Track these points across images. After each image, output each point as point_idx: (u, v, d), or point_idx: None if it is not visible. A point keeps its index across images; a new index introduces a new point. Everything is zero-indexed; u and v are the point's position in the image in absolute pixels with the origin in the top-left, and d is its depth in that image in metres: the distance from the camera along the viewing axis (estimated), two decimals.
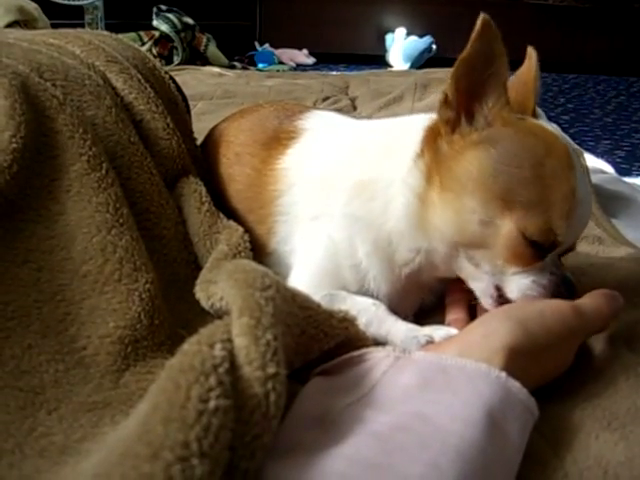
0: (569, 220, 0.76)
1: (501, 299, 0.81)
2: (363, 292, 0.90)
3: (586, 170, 0.83)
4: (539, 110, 2.90)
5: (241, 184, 1.08)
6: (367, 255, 0.89)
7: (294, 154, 1.02)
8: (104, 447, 0.51)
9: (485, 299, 0.82)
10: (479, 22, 0.76)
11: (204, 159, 1.19)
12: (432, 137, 0.86)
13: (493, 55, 0.78)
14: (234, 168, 1.10)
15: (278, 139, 1.05)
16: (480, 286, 0.83)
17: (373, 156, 0.92)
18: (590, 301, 0.76)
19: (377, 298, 0.89)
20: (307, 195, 0.97)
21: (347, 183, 0.92)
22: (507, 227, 0.77)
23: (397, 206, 0.87)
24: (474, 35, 0.77)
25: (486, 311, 0.81)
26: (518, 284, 0.79)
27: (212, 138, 1.22)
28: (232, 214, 1.04)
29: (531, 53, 0.91)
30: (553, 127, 0.86)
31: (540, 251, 0.78)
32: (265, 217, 1.01)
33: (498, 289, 0.81)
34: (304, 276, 0.92)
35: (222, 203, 1.07)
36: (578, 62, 5.79)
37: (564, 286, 0.80)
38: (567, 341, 0.73)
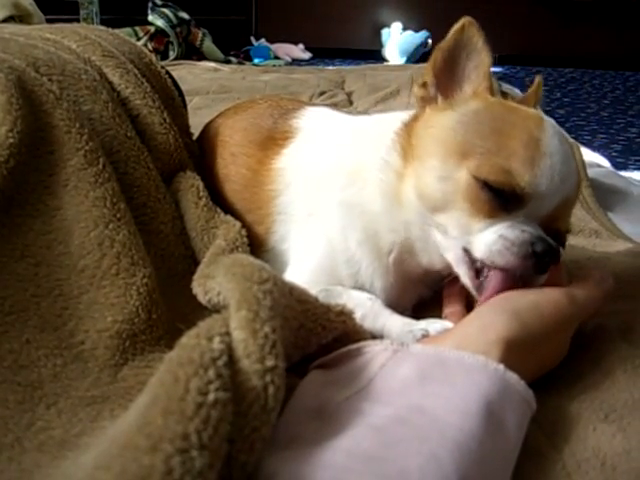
0: (533, 168, 0.75)
1: (478, 274, 0.79)
2: (358, 287, 0.91)
3: (568, 146, 0.80)
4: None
5: (238, 184, 1.08)
6: (359, 244, 0.90)
7: (289, 154, 1.02)
8: (104, 440, 0.51)
9: (461, 272, 0.80)
10: (461, 22, 0.84)
11: (200, 156, 1.18)
12: (411, 121, 0.90)
13: (474, 49, 0.85)
14: (230, 168, 1.10)
15: (273, 139, 1.05)
16: (453, 256, 0.81)
17: (363, 147, 0.93)
18: (582, 286, 0.77)
19: (372, 293, 0.90)
20: (303, 193, 0.98)
21: (341, 175, 0.93)
22: (463, 177, 0.77)
23: (380, 185, 0.88)
24: (455, 29, 0.84)
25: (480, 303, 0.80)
26: (484, 239, 0.77)
27: (207, 136, 1.22)
28: (230, 213, 1.04)
29: (537, 81, 1.00)
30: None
31: (502, 200, 0.76)
32: (263, 217, 1.01)
33: (467, 251, 0.79)
34: (300, 273, 0.92)
35: (219, 201, 1.07)
36: (574, 56, 5.79)
37: (540, 245, 0.75)
38: (562, 329, 0.74)
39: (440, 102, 0.87)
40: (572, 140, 2.09)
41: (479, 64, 0.85)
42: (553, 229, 0.79)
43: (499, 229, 0.76)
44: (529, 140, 0.76)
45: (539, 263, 0.75)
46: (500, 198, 0.76)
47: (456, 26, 0.84)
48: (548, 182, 0.75)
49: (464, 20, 0.84)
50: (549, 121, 0.81)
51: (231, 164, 1.10)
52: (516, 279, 0.76)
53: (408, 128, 0.88)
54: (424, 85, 0.88)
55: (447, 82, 0.87)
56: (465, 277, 0.80)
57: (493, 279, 0.77)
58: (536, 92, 0.98)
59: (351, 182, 0.91)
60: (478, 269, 0.79)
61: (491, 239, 0.76)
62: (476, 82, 0.86)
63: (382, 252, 0.89)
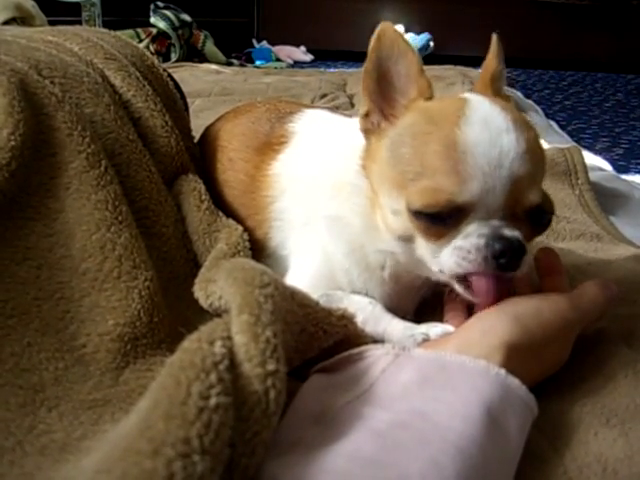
0: (458, 176, 0.71)
1: (465, 281, 0.77)
2: (357, 293, 0.90)
3: (503, 120, 0.73)
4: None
5: (236, 190, 1.08)
6: (345, 255, 0.89)
7: (285, 159, 1.02)
8: (105, 444, 0.52)
9: (455, 288, 0.79)
10: (376, 32, 0.78)
11: (201, 160, 1.19)
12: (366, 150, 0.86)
13: (398, 55, 0.79)
14: (228, 174, 1.10)
15: (270, 144, 1.05)
16: (441, 278, 0.80)
17: (346, 158, 0.91)
18: (585, 291, 0.77)
19: (371, 299, 0.89)
20: (298, 200, 0.97)
21: (327, 186, 0.92)
22: (405, 209, 0.76)
23: (354, 209, 0.88)
24: (371, 44, 0.79)
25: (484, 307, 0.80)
26: (445, 258, 0.75)
27: (206, 140, 1.22)
28: (230, 218, 1.03)
29: (493, 39, 0.88)
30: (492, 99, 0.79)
31: (444, 220, 0.73)
32: (261, 223, 1.01)
33: (442, 272, 0.78)
34: (301, 278, 0.92)
35: (219, 206, 1.06)
36: (576, 59, 5.79)
37: (497, 245, 0.72)
38: (564, 334, 0.73)
39: (383, 128, 0.81)
40: (572, 143, 2.09)
41: (408, 67, 0.80)
42: (522, 210, 0.75)
43: (454, 243, 0.75)
44: (445, 147, 0.72)
45: (503, 263, 0.73)
46: (440, 219, 0.74)
47: (372, 40, 0.79)
48: (480, 180, 0.71)
49: (378, 29, 0.78)
50: (473, 104, 0.76)
51: (229, 169, 1.10)
52: (495, 278, 0.74)
53: (364, 159, 0.85)
54: (367, 115, 0.83)
55: (386, 103, 0.82)
56: (459, 289, 0.78)
57: (475, 285, 0.75)
58: (492, 58, 0.87)
59: (335, 195, 0.90)
60: (461, 278, 0.77)
61: (447, 254, 0.75)
62: (410, 90, 0.80)
63: (372, 266, 0.89)
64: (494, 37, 0.88)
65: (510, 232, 0.73)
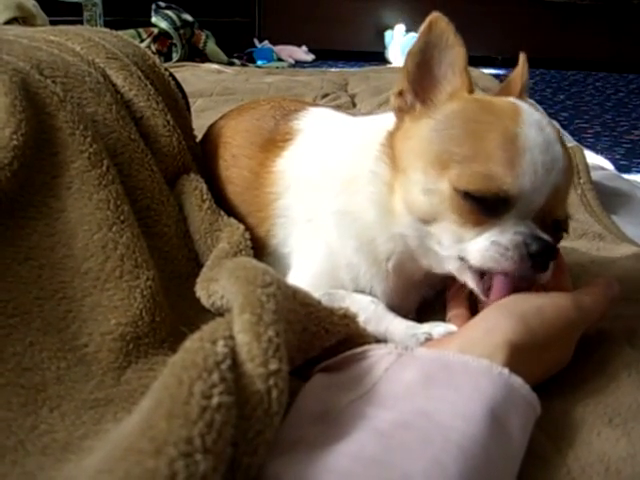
0: (514, 168, 0.73)
1: (483, 275, 0.78)
2: (359, 291, 0.91)
3: (551, 130, 0.77)
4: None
5: (239, 186, 1.08)
6: (355, 251, 0.90)
7: (289, 156, 1.02)
8: (107, 443, 0.51)
9: (466, 279, 0.80)
10: (428, 20, 0.80)
11: (203, 158, 1.18)
12: (393, 131, 0.87)
13: (447, 47, 0.82)
14: (231, 170, 1.10)
15: (274, 141, 1.05)
16: (453, 267, 0.80)
17: (356, 153, 0.92)
18: (587, 291, 0.77)
19: (374, 297, 0.89)
20: (301, 197, 0.97)
21: (335, 182, 0.92)
22: (446, 189, 0.76)
23: (371, 197, 0.87)
24: (420, 31, 0.81)
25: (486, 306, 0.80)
26: (477, 247, 0.76)
27: (210, 137, 1.22)
28: (231, 215, 1.04)
29: (522, 57, 0.94)
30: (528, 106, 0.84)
31: (488, 207, 0.75)
32: (263, 220, 1.01)
33: (462, 259, 0.78)
34: (302, 277, 0.92)
35: (221, 204, 1.06)
36: (577, 59, 5.79)
37: (535, 245, 0.74)
38: (567, 335, 0.73)
39: (419, 110, 0.83)
40: (574, 143, 2.09)
41: (454, 60, 0.82)
42: (550, 220, 0.78)
43: (491, 235, 0.76)
44: (505, 139, 0.74)
45: (537, 263, 0.75)
46: (485, 205, 0.75)
47: (423, 26, 0.81)
48: (532, 178, 0.73)
49: (431, 17, 0.80)
50: (527, 110, 0.79)
51: (232, 166, 1.10)
52: (519, 280, 0.76)
53: (391, 139, 0.86)
54: (400, 94, 0.85)
55: (424, 87, 0.83)
56: (472, 283, 0.79)
57: (497, 282, 0.76)
58: (521, 72, 0.93)
59: (344, 190, 0.90)
60: (482, 272, 0.78)
61: (484, 246, 0.76)
62: (453, 81, 0.82)
63: (379, 259, 0.89)
64: (522, 57, 0.94)
65: (543, 234, 0.76)
